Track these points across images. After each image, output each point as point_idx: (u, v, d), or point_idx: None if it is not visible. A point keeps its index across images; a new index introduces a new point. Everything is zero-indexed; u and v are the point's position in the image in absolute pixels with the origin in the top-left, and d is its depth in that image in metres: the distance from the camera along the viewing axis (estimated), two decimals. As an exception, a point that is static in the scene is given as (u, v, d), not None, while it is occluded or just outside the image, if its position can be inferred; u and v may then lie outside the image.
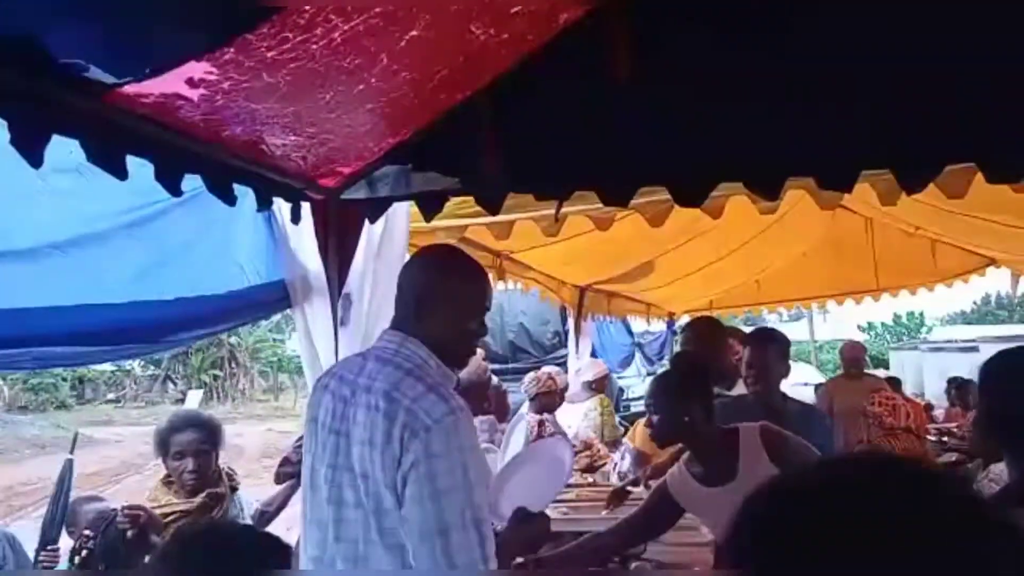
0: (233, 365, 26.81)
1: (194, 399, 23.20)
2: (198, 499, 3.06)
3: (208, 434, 3.14)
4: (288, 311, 3.11)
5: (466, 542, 1.71)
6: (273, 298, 3.02)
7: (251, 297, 2.94)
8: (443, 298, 1.95)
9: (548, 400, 5.08)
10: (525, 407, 5.13)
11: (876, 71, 2.30)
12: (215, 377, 26.28)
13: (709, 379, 2.82)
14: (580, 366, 6.62)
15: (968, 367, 11.11)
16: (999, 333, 21.10)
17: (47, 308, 2.19)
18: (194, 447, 3.07)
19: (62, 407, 22.52)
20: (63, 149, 1.74)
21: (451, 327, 1.96)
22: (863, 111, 2.30)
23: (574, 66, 2.48)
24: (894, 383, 8.01)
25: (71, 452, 3.17)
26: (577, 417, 5.88)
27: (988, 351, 2.29)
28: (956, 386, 8.12)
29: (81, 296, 2.29)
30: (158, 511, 2.98)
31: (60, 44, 1.56)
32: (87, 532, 2.88)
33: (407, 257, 3.00)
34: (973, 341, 18.33)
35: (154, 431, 3.24)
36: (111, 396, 25.01)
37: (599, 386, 6.14)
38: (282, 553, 1.62)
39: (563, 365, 7.01)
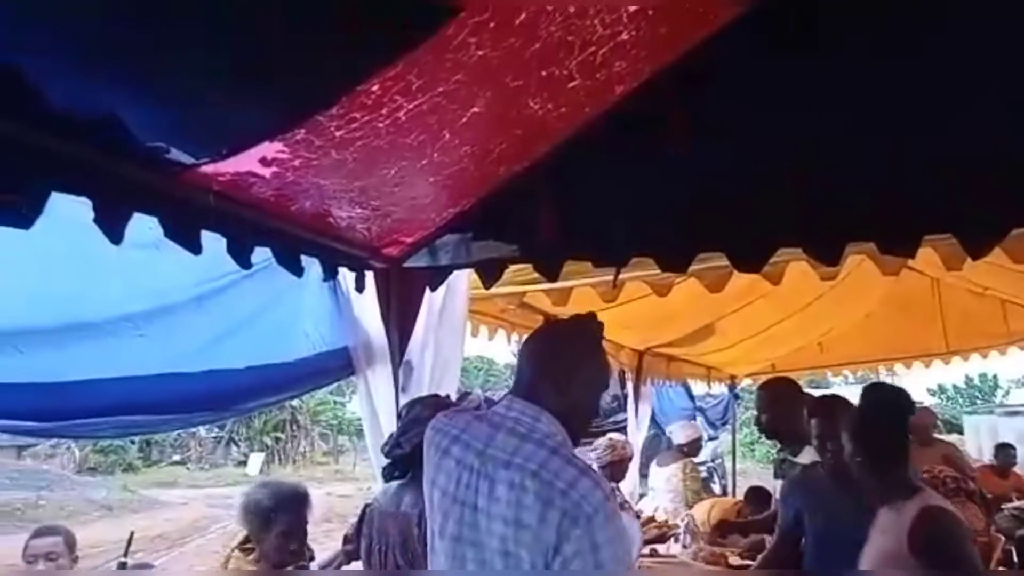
0: (294, 427, 26.98)
1: (256, 462, 23.40)
2: None
3: (308, 508, 2.91)
4: (351, 377, 3.15)
5: None
6: (338, 365, 3.07)
7: (317, 364, 3.00)
8: (585, 371, 1.91)
9: (618, 468, 4.99)
10: None
11: (936, 134, 2.28)
12: (277, 439, 26.49)
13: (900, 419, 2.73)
14: (672, 429, 6.63)
15: (1045, 432, 10.60)
16: (1079, 396, 20.22)
17: (125, 378, 2.27)
18: (299, 526, 2.83)
19: (130, 469, 22.87)
20: (140, 225, 1.80)
21: (586, 401, 1.93)
22: (925, 174, 2.28)
23: (630, 135, 2.51)
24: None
25: (125, 554, 3.06)
26: (661, 480, 5.93)
27: (1065, 416, 2.21)
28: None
29: (155, 366, 2.37)
30: None
31: (143, 126, 1.65)
32: None
33: (467, 324, 3.03)
34: (1051, 405, 17.60)
35: (249, 503, 2.84)
36: (177, 458, 25.33)
37: (691, 450, 6.20)
38: None
39: (622, 430, 6.93)
